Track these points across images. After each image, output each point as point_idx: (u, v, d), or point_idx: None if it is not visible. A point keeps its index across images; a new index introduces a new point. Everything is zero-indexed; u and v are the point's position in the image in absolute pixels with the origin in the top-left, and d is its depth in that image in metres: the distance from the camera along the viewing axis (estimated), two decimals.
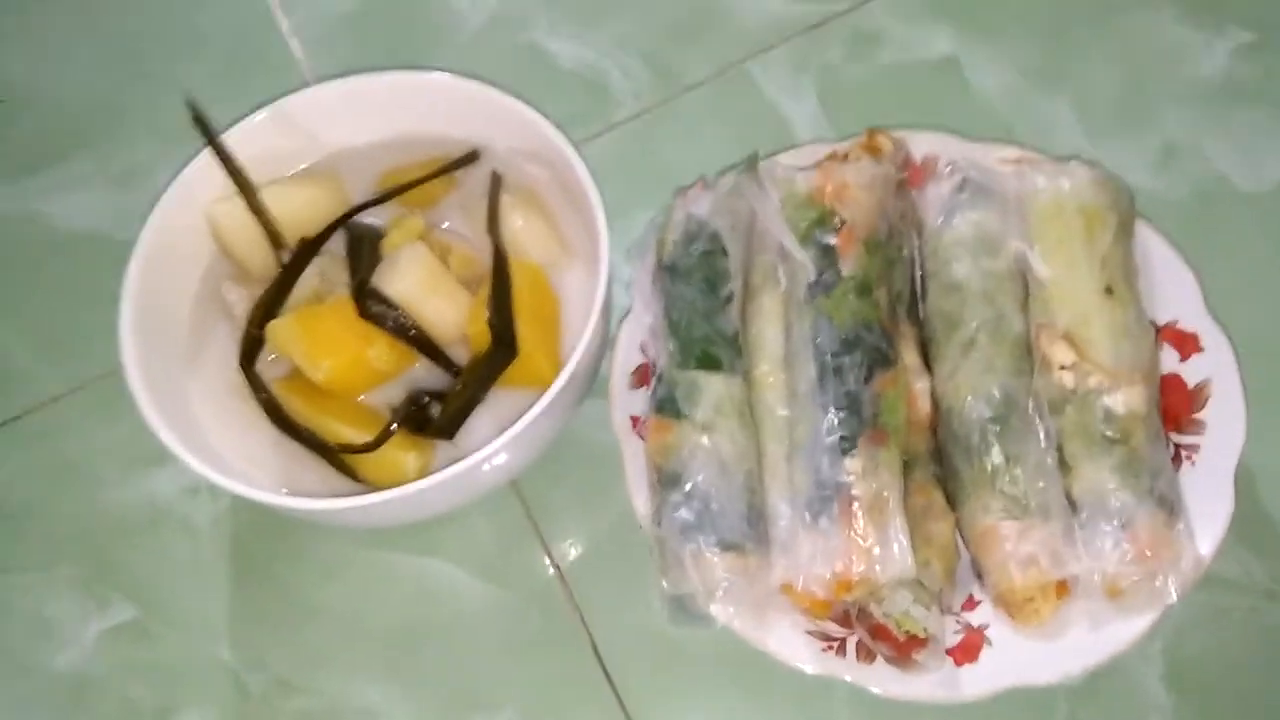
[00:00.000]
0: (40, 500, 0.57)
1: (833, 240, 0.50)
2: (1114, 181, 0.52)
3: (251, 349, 0.51)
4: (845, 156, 0.55)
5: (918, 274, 0.54)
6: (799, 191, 0.52)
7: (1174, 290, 0.53)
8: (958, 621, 0.48)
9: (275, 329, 0.50)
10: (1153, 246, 0.54)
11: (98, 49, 0.71)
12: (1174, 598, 0.46)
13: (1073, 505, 0.48)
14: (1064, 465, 0.48)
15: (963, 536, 0.49)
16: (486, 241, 0.53)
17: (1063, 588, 0.46)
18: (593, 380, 0.53)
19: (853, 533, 0.46)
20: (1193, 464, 0.50)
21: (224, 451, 0.51)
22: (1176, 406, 0.51)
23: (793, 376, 0.50)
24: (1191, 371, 0.51)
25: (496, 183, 0.55)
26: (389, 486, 0.47)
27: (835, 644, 0.47)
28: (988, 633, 0.48)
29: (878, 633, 0.46)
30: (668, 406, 0.49)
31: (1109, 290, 0.50)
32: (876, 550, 0.45)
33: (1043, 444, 0.48)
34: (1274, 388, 0.54)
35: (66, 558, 0.56)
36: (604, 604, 0.53)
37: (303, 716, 0.52)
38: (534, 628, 0.53)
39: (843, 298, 0.49)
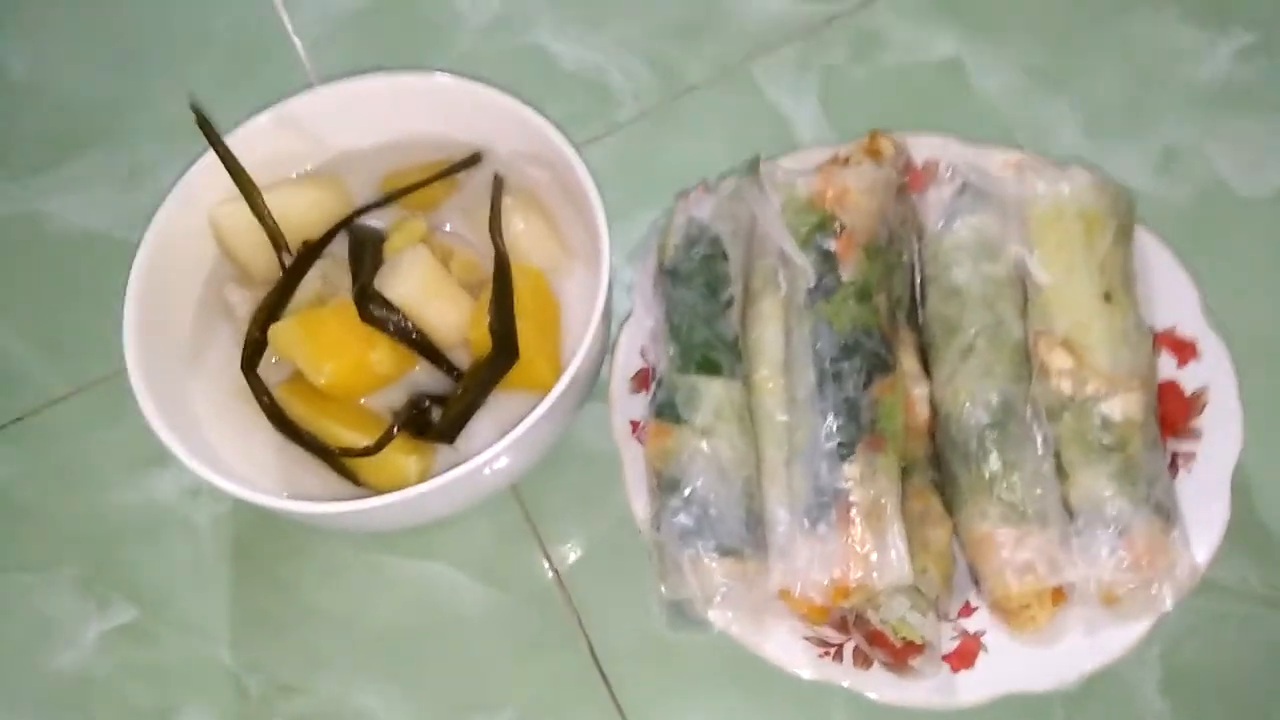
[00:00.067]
0: (42, 501, 0.58)
1: (833, 245, 0.50)
2: (1114, 187, 0.52)
3: (254, 352, 0.51)
4: (846, 160, 0.55)
5: (917, 279, 0.54)
6: (800, 196, 0.52)
7: (1172, 296, 0.53)
8: (954, 628, 0.48)
9: (277, 332, 0.51)
10: (1152, 252, 0.54)
11: (102, 48, 0.72)
12: (1170, 605, 0.46)
13: (1070, 512, 0.48)
14: (1061, 472, 0.48)
15: (960, 542, 0.49)
16: (488, 244, 0.53)
17: (1059, 594, 0.47)
18: (593, 384, 0.53)
19: (850, 539, 0.46)
20: (1189, 471, 0.50)
21: (225, 454, 0.51)
22: (1173, 413, 0.51)
23: (792, 382, 0.50)
24: (1189, 378, 0.51)
25: (499, 185, 0.55)
26: (390, 490, 0.47)
27: (832, 650, 0.48)
28: (984, 639, 0.48)
29: (874, 639, 0.46)
30: (667, 411, 0.49)
31: (1108, 296, 0.50)
32: (874, 557, 0.46)
33: (1040, 450, 0.48)
34: (1272, 394, 0.54)
35: (68, 558, 0.56)
36: (602, 608, 0.53)
37: (302, 718, 0.52)
38: (532, 631, 0.53)
39: (843, 303, 0.49)
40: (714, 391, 0.49)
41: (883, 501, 0.46)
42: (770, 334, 0.51)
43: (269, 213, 0.54)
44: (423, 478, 0.48)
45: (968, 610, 0.49)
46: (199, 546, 0.56)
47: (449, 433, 0.50)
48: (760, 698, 0.51)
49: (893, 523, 0.46)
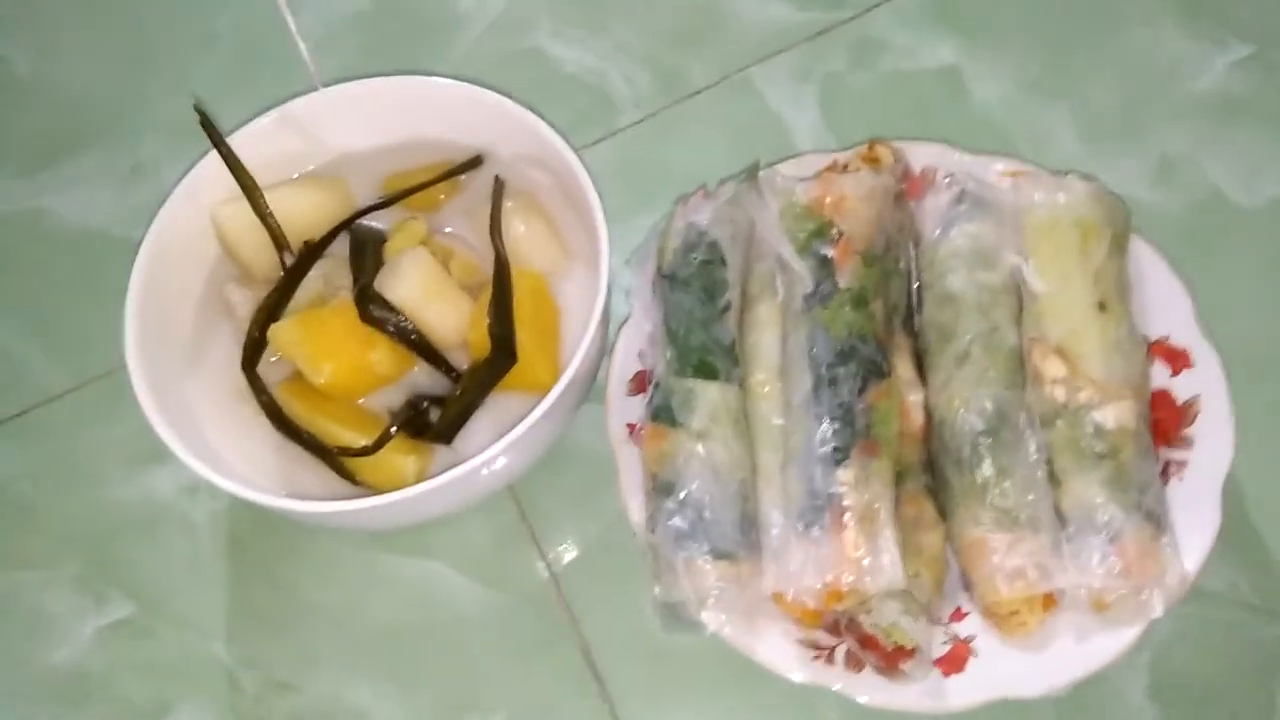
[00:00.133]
0: (40, 497, 0.58)
1: (830, 252, 0.51)
2: (1109, 197, 0.53)
3: (254, 351, 0.52)
4: (845, 167, 0.55)
5: (914, 285, 0.55)
6: (798, 202, 0.52)
7: (1167, 306, 0.53)
8: (945, 632, 0.49)
9: (278, 331, 0.51)
10: (1147, 262, 0.54)
11: (106, 45, 0.72)
12: (1159, 612, 0.46)
13: (1061, 519, 0.48)
14: (1054, 479, 0.49)
15: (952, 547, 0.50)
16: (488, 246, 0.53)
17: (1050, 600, 0.47)
18: (590, 386, 0.53)
19: (843, 543, 0.46)
20: (1181, 479, 0.50)
21: (224, 452, 0.51)
22: (1166, 422, 0.51)
23: (788, 386, 0.50)
24: (1182, 387, 0.52)
25: (499, 188, 0.55)
26: (387, 489, 0.47)
27: (824, 653, 0.48)
28: (975, 644, 0.48)
29: (866, 642, 0.46)
30: (664, 414, 0.50)
31: (1102, 306, 0.50)
32: (867, 561, 0.46)
33: (1033, 457, 0.48)
34: (1264, 403, 0.54)
35: (66, 554, 0.56)
36: (597, 608, 0.53)
37: (296, 714, 0.52)
38: (527, 631, 0.53)
39: (839, 309, 0.50)
40: (710, 395, 0.49)
41: (876, 506, 0.47)
42: (767, 339, 0.52)
43: (271, 213, 0.54)
44: (420, 478, 0.48)
45: (959, 615, 0.49)
46: (196, 543, 0.56)
47: (447, 433, 0.50)
48: (752, 699, 0.51)
49: (886, 527, 0.47)
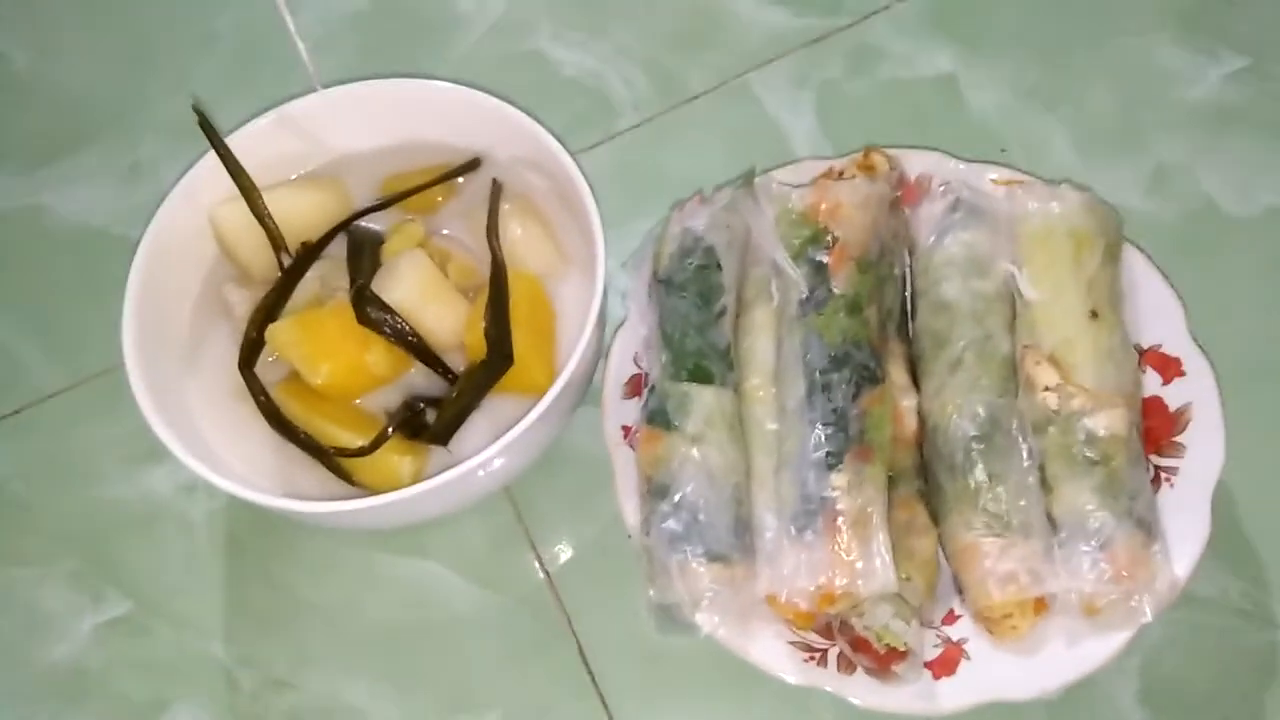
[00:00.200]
0: (37, 494, 0.58)
1: (825, 258, 0.51)
2: (1103, 206, 0.53)
3: (251, 351, 0.52)
4: (840, 174, 0.56)
5: (908, 292, 0.55)
6: (793, 208, 0.53)
7: (1159, 315, 0.53)
8: (937, 635, 0.49)
9: (275, 332, 0.51)
10: (1140, 271, 0.54)
11: (106, 45, 0.72)
12: (1149, 617, 0.47)
13: (1053, 524, 0.49)
14: (1045, 485, 0.49)
15: (944, 551, 0.50)
16: (485, 249, 0.54)
17: (1041, 605, 0.47)
18: (586, 389, 0.54)
19: (836, 547, 0.47)
20: (1172, 486, 0.50)
21: (221, 451, 0.51)
22: (1158, 429, 0.52)
23: (782, 391, 0.51)
24: (1173, 395, 0.52)
25: (497, 191, 0.55)
26: (384, 490, 0.47)
27: (817, 655, 0.48)
28: (966, 647, 0.49)
29: (858, 645, 0.46)
30: (659, 418, 0.50)
31: (1094, 314, 0.51)
32: (859, 565, 0.46)
33: (1025, 463, 0.49)
34: (1256, 410, 0.55)
35: (63, 552, 0.56)
36: (592, 609, 0.54)
37: (293, 713, 0.53)
38: (523, 631, 0.54)
39: (833, 315, 0.50)
40: (705, 399, 0.50)
41: (869, 510, 0.47)
42: (762, 344, 0.52)
43: (269, 213, 0.54)
44: (416, 479, 0.48)
45: (951, 618, 0.50)
46: (194, 542, 0.56)
47: (443, 435, 0.51)
48: (746, 700, 0.51)
49: (878, 531, 0.47)
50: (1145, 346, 0.53)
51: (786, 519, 0.48)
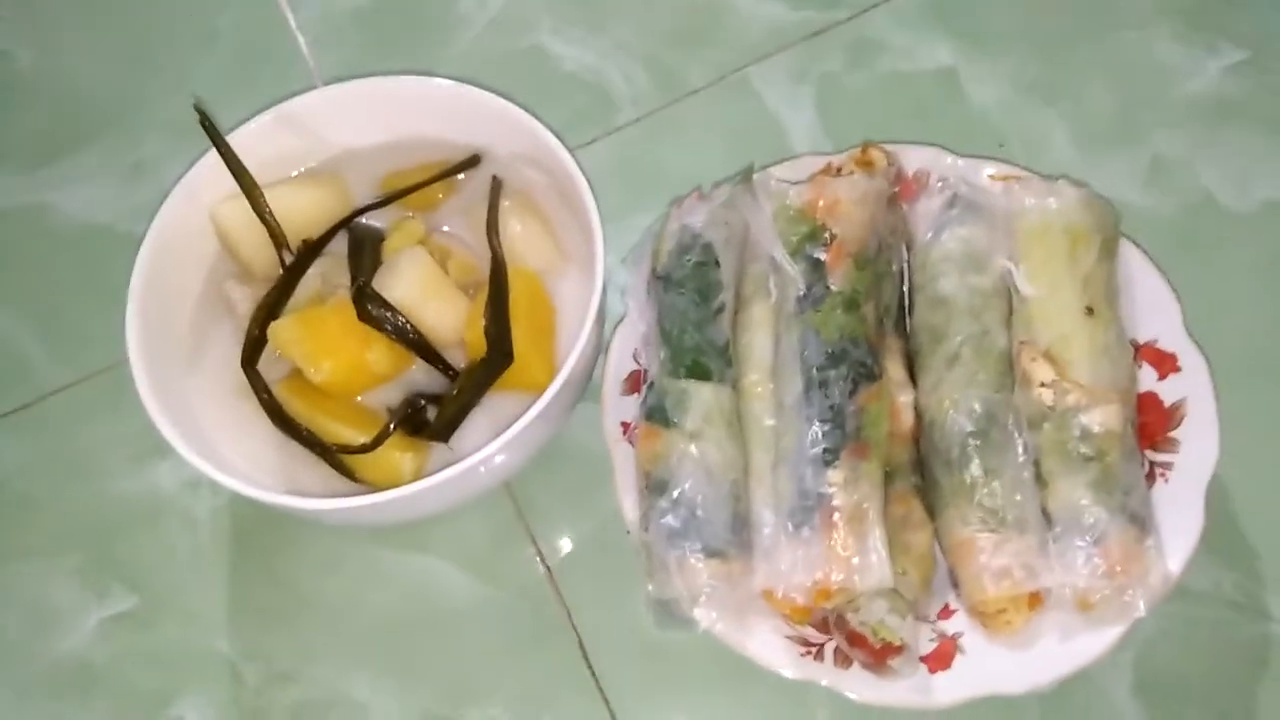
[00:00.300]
0: (43, 490, 0.59)
1: (822, 255, 0.51)
2: (1100, 202, 0.53)
3: (253, 349, 0.52)
4: (838, 170, 0.56)
5: (906, 287, 0.55)
6: (791, 205, 0.53)
7: (1155, 311, 0.54)
8: (933, 630, 0.49)
9: (277, 330, 0.52)
10: (1136, 267, 0.54)
11: (108, 43, 0.72)
12: (1143, 612, 0.47)
13: (1048, 519, 0.49)
14: (1041, 480, 0.49)
15: (940, 546, 0.50)
16: (486, 245, 0.54)
17: (1035, 599, 0.48)
18: (586, 385, 0.54)
19: (833, 543, 0.47)
20: (1166, 481, 0.51)
21: (224, 449, 0.52)
22: (1153, 424, 0.52)
23: (780, 388, 0.51)
24: (1169, 390, 0.52)
25: (497, 188, 0.56)
26: (385, 486, 0.48)
27: (814, 649, 0.49)
28: (961, 641, 0.49)
29: (854, 639, 0.47)
30: (657, 414, 0.50)
31: (1090, 310, 0.51)
32: (855, 560, 0.47)
33: (1021, 458, 0.49)
34: (1252, 404, 0.55)
35: (69, 547, 0.57)
36: (591, 603, 0.54)
37: (297, 706, 0.53)
38: (523, 625, 0.54)
39: (830, 312, 0.50)
40: (703, 396, 0.50)
41: (865, 507, 0.48)
42: (760, 340, 0.52)
43: (270, 211, 0.55)
44: (417, 475, 0.49)
45: (946, 612, 0.50)
46: (198, 537, 0.57)
47: (444, 432, 0.51)
48: (744, 694, 0.52)
49: (874, 527, 0.47)
50: (1141, 342, 0.54)
51: (784, 515, 0.48)
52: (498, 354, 0.50)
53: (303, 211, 0.56)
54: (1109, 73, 0.66)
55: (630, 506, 0.51)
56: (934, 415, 0.51)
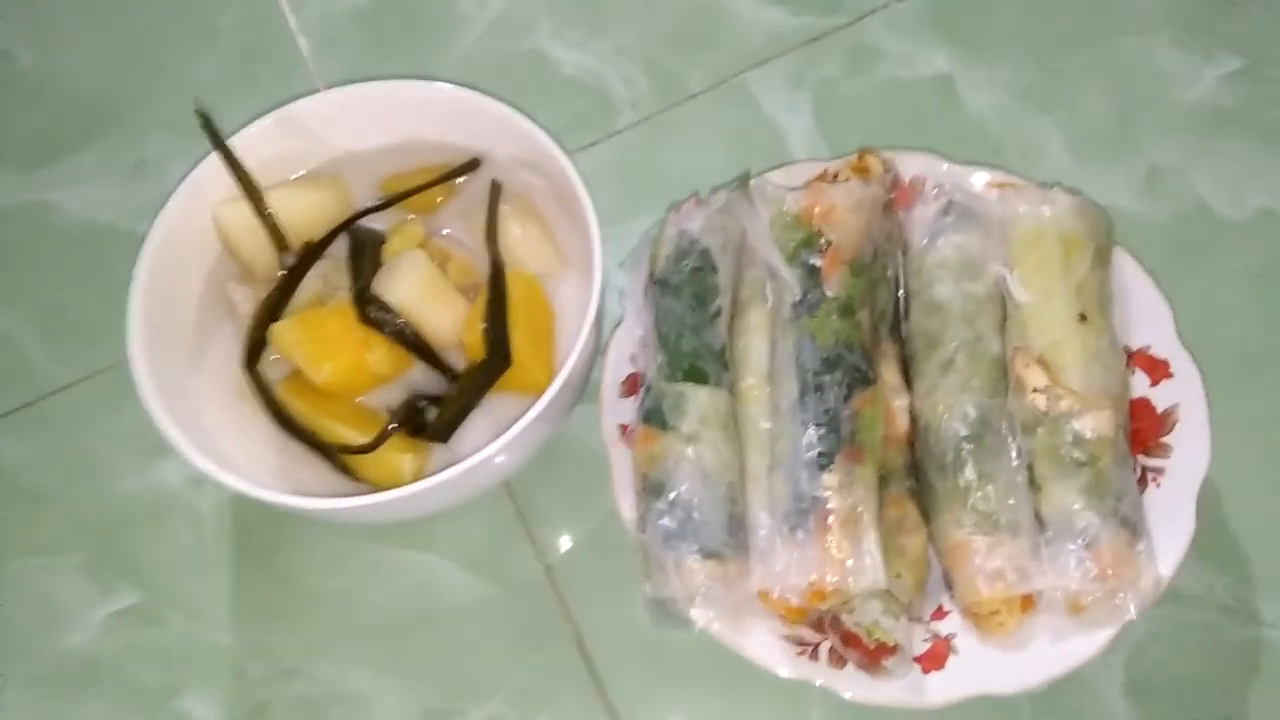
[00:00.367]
0: (50, 486, 0.59)
1: (818, 261, 0.52)
2: (1094, 210, 0.54)
3: (254, 350, 0.53)
4: (835, 176, 0.56)
5: (901, 293, 0.56)
6: (788, 211, 0.53)
7: (1148, 318, 0.54)
8: (926, 630, 0.50)
9: (278, 331, 0.52)
10: (1130, 274, 0.55)
11: (110, 42, 0.73)
12: (1133, 615, 0.48)
13: (1041, 523, 0.50)
14: (1034, 484, 0.50)
15: (935, 549, 0.51)
16: (484, 248, 0.55)
17: (1028, 602, 0.48)
18: (584, 387, 0.54)
19: (827, 545, 0.48)
20: (1158, 486, 0.51)
21: (226, 448, 0.52)
22: (1145, 430, 0.53)
23: (776, 392, 0.52)
24: (1161, 396, 0.53)
25: (496, 192, 0.56)
26: (386, 486, 0.49)
27: (809, 649, 0.50)
28: (955, 642, 0.50)
29: (849, 640, 0.48)
30: (654, 417, 0.51)
31: (1083, 317, 0.51)
32: (850, 562, 0.47)
33: (1014, 463, 0.50)
34: (1245, 409, 0.56)
35: (74, 543, 0.58)
36: (590, 601, 0.55)
37: (299, 701, 0.54)
38: (522, 622, 0.55)
39: (826, 318, 0.51)
40: (700, 399, 0.51)
41: (859, 510, 0.48)
42: (757, 344, 0.53)
43: (271, 213, 0.55)
44: (417, 476, 0.50)
45: (940, 614, 0.51)
46: (202, 534, 0.58)
47: (444, 433, 0.52)
48: (740, 693, 0.52)
49: (869, 530, 0.48)
50: (1134, 348, 0.54)
51: (779, 517, 0.49)
52: (496, 358, 0.51)
53: (304, 213, 0.56)
54: (1105, 80, 0.67)
55: (628, 508, 0.52)
56: (929, 420, 0.52)
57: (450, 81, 0.57)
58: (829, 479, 0.48)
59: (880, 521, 0.49)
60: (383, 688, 0.54)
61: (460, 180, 0.58)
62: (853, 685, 0.49)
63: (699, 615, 0.49)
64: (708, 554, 0.48)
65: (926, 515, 0.51)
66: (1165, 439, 0.52)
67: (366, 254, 0.55)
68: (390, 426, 0.51)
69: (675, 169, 0.65)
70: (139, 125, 0.69)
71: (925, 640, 0.50)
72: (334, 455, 0.52)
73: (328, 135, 0.58)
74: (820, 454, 0.49)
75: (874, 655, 0.47)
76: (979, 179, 0.57)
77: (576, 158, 0.54)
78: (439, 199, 0.58)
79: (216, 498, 0.58)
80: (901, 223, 0.56)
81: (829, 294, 0.51)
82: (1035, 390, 0.50)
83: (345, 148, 0.59)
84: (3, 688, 0.54)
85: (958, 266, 0.53)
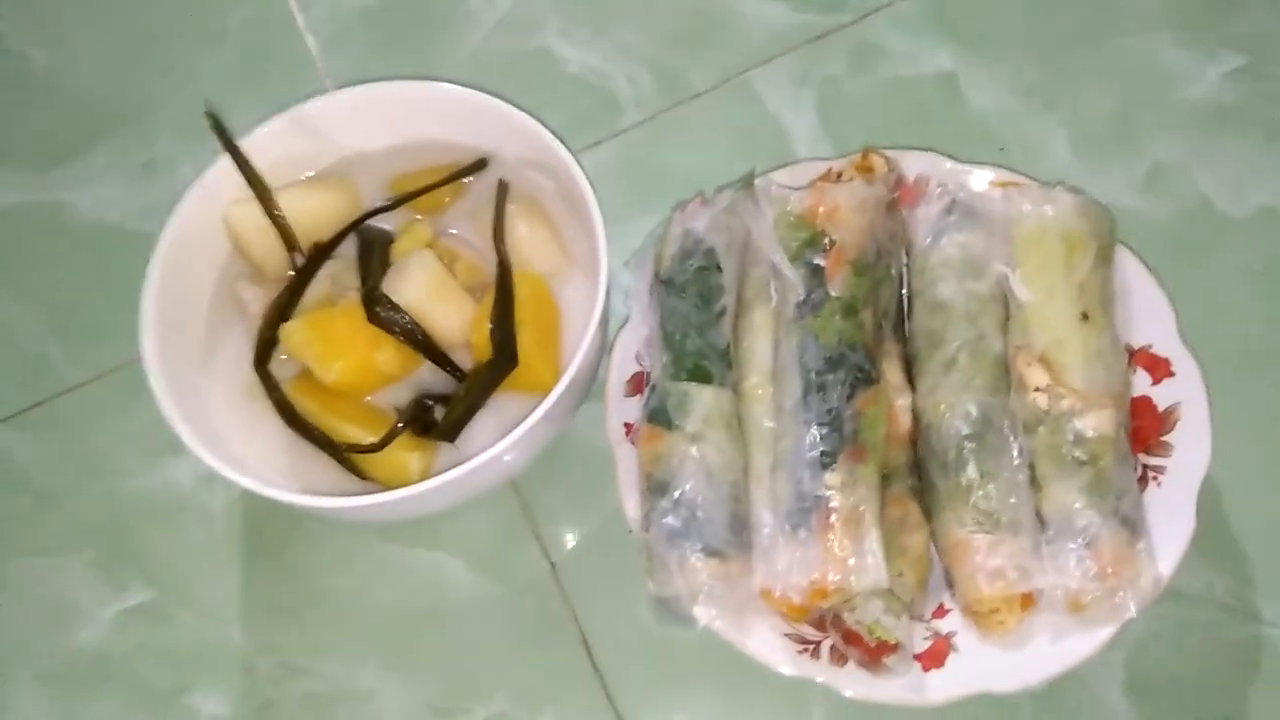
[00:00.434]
0: (61, 485, 0.60)
1: (822, 261, 0.52)
2: (1096, 209, 0.54)
3: (265, 350, 0.54)
4: (839, 176, 0.57)
5: (905, 291, 0.56)
6: (792, 211, 0.54)
7: (1150, 317, 0.54)
8: (927, 628, 0.51)
9: (289, 332, 0.53)
10: (1132, 273, 0.55)
11: (120, 43, 0.73)
12: (1133, 613, 0.48)
13: (1042, 522, 0.50)
14: (1035, 483, 0.50)
15: (936, 547, 0.51)
16: (491, 248, 0.55)
17: (1028, 600, 0.49)
18: (590, 386, 0.55)
19: (829, 544, 0.48)
20: (1159, 484, 0.52)
21: (237, 447, 0.53)
22: (1146, 429, 0.53)
23: (779, 391, 0.52)
24: (1162, 395, 0.53)
25: (503, 192, 0.57)
26: (393, 485, 0.49)
27: (810, 647, 0.50)
28: (955, 640, 0.50)
29: (850, 638, 0.48)
30: (659, 416, 0.51)
31: (1085, 316, 0.52)
32: (851, 561, 0.48)
33: (1016, 462, 0.50)
34: (1246, 407, 0.56)
35: (86, 541, 0.58)
36: (594, 599, 0.55)
37: (307, 698, 0.55)
38: (527, 620, 0.55)
39: (829, 318, 0.51)
40: (704, 399, 0.51)
41: (861, 509, 0.49)
42: (761, 344, 0.53)
43: (281, 214, 0.56)
44: (424, 474, 0.50)
45: (941, 612, 0.51)
46: (212, 532, 0.58)
47: (451, 432, 0.52)
48: (742, 690, 0.53)
49: (870, 529, 0.48)
50: (1136, 347, 0.55)
51: (782, 516, 0.50)
52: (502, 358, 0.52)
53: (313, 214, 0.57)
54: (1108, 78, 0.67)
55: (632, 506, 0.53)
56: (931, 418, 0.52)
57: (457, 80, 0.57)
58: (831, 478, 0.49)
59: (882, 520, 0.50)
60: (389, 685, 0.55)
61: (468, 180, 0.58)
62: (854, 683, 0.49)
63: (702, 613, 0.50)
64: (711, 553, 0.49)
65: (928, 513, 0.52)
66: (1166, 437, 0.53)
67: (375, 254, 0.55)
68: (398, 426, 0.51)
69: (680, 167, 0.65)
70: (148, 125, 0.70)
71: (926, 638, 0.50)
72: (343, 454, 0.52)
73: (337, 136, 0.59)
74: (823, 453, 0.49)
75: (875, 653, 0.48)
76: (982, 178, 0.57)
77: (582, 157, 0.54)
78: (447, 199, 0.58)
79: (227, 496, 0.59)
80: (905, 222, 0.56)
81: (832, 294, 0.51)
82: (1037, 389, 0.51)
83: (354, 148, 0.59)
84: (2, 685, 0.55)
85: (961, 265, 0.53)
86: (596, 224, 0.52)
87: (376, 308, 0.53)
